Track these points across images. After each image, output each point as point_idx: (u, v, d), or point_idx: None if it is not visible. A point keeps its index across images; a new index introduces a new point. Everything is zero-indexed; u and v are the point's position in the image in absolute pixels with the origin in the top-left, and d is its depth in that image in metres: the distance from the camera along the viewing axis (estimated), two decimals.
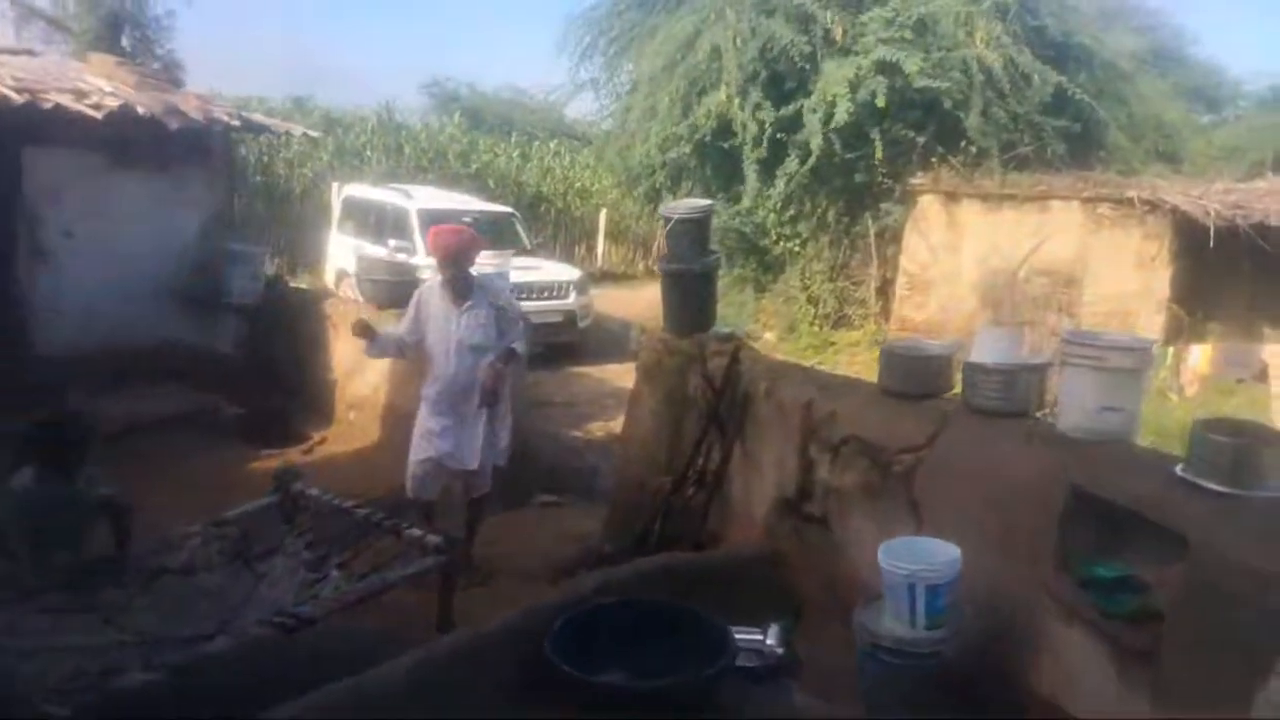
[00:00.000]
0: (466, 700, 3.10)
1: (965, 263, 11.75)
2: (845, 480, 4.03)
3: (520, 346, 5.02)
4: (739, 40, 11.47)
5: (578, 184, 19.65)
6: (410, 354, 5.19)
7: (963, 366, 3.68)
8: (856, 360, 11.60)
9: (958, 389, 3.80)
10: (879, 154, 11.31)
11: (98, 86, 6.72)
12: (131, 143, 7.00)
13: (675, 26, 12.33)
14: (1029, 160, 11.56)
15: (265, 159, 15.75)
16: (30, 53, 8.51)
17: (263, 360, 7.65)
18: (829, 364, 11.89)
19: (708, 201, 5.65)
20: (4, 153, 6.52)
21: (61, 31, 14.69)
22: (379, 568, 3.97)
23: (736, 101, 11.52)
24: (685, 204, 5.40)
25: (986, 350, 3.57)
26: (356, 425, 7.25)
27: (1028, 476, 3.23)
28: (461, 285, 4.93)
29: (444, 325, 4.92)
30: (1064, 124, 11.80)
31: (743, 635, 3.87)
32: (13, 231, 6.66)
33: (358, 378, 7.33)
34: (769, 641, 3.83)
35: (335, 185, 14.06)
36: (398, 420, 6.76)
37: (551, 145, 20.89)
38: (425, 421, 5.00)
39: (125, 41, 14.79)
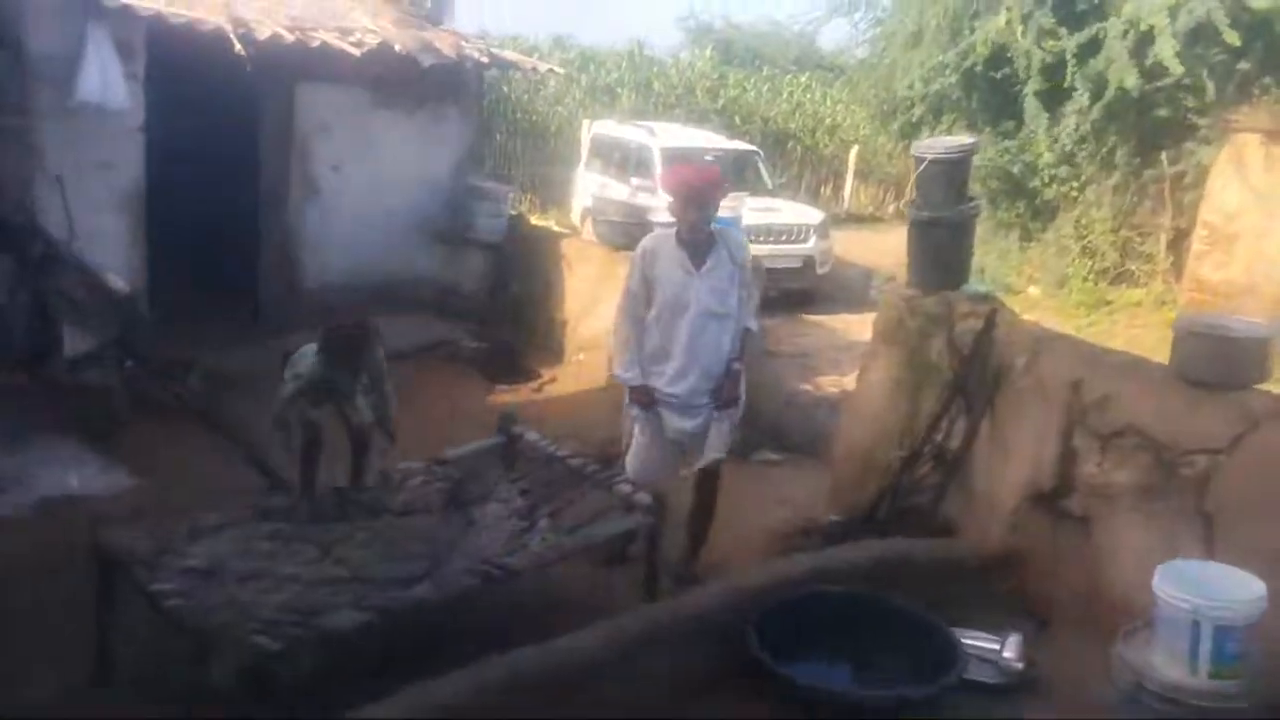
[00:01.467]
0: (653, 684, 2.91)
1: None
2: (1117, 479, 3.43)
3: (755, 324, 4.32)
4: None
5: (828, 119, 18.75)
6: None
7: None
8: (1137, 323, 10.27)
9: (1276, 381, 3.08)
10: (1210, 93, 9.70)
11: (362, 25, 6.98)
12: (392, 80, 7.27)
13: None
14: None
15: (527, 97, 16.18)
16: None
17: (502, 297, 7.83)
18: (1103, 325, 10.64)
19: (969, 139, 4.98)
20: (279, 89, 6.96)
21: None
22: (588, 521, 3.88)
23: (1020, 28, 10.29)
24: (942, 142, 4.80)
25: None
26: (585, 366, 7.26)
27: None
28: (702, 239, 4.09)
29: (680, 291, 4.06)
30: None
31: (976, 642, 3.43)
32: (285, 164, 7.13)
33: (588, 319, 7.31)
34: (1006, 654, 3.36)
35: (586, 123, 14.20)
36: None
37: (803, 79, 20.03)
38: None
39: None
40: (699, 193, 4.06)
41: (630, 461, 4.29)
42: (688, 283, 4.05)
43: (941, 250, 4.57)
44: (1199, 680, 2.58)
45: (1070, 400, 3.60)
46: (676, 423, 4.17)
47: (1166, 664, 2.65)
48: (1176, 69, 9.35)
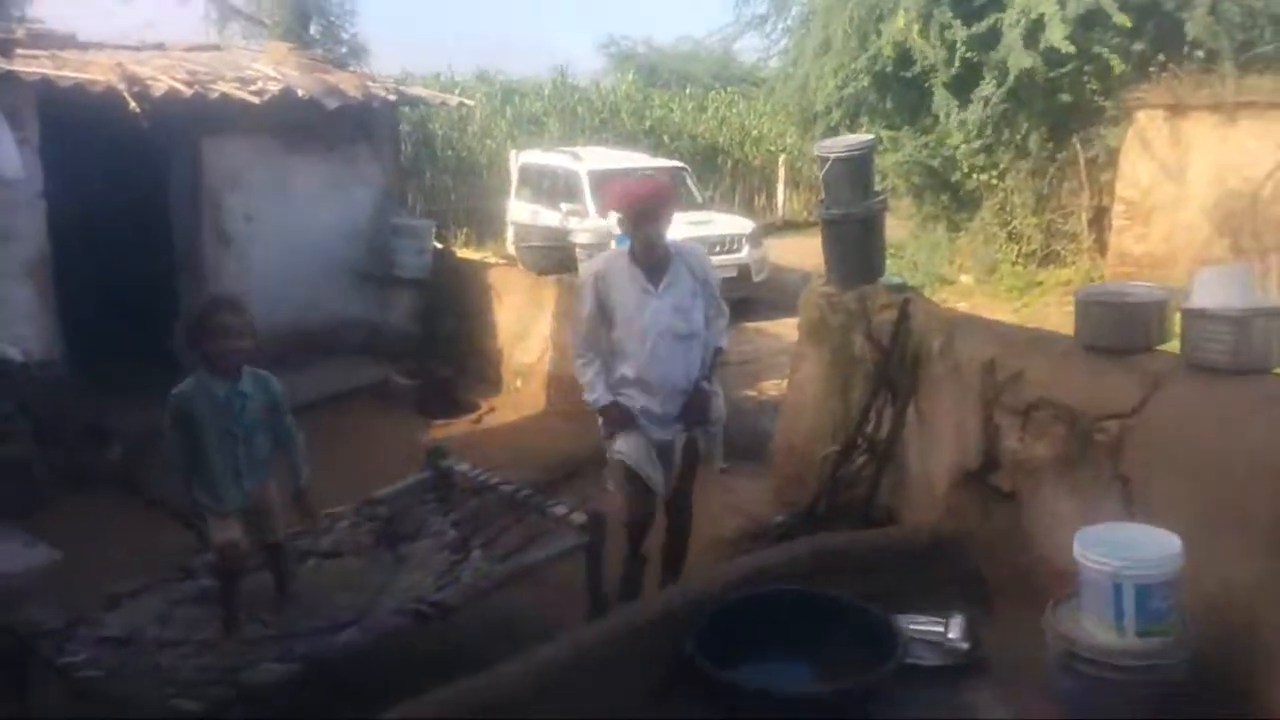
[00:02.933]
0: (604, 698, 2.85)
1: (1194, 185, 10.27)
2: (1037, 451, 3.45)
3: (725, 341, 4.06)
4: None
5: (754, 131, 19.00)
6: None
7: (1181, 314, 3.02)
8: (1068, 301, 10.46)
9: (1175, 343, 3.14)
10: (1117, 68, 9.98)
11: (263, 73, 6.91)
12: (301, 126, 7.18)
13: None
14: (1271, 61, 9.89)
15: (456, 133, 16.16)
16: (216, 48, 8.96)
17: (434, 332, 7.75)
18: (1035, 306, 10.84)
19: (868, 136, 5.05)
20: (185, 144, 6.84)
21: (260, 25, 15.62)
22: (523, 547, 3.81)
23: (916, 28, 10.54)
24: (843, 140, 4.85)
25: (1210, 293, 2.90)
26: (524, 393, 7.21)
27: (1267, 448, 2.59)
28: (658, 255, 3.80)
29: (638, 312, 3.77)
30: None
31: (921, 626, 3.42)
32: (197, 219, 7.00)
33: (521, 346, 7.28)
34: (951, 635, 3.35)
35: (513, 153, 14.21)
36: (561, 387, 6.65)
37: (725, 93, 20.28)
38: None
39: (314, 30, 15.56)
40: (646, 204, 3.77)
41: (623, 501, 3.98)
42: (646, 302, 3.77)
43: (853, 246, 4.61)
44: (1128, 640, 2.59)
45: (985, 379, 3.63)
46: (655, 435, 3.92)
47: (1095, 628, 2.66)
48: (1068, 49, 9.62)
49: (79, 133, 6.18)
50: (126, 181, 7.18)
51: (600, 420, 3.95)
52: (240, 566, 3.22)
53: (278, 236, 7.24)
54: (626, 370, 3.86)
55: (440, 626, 3.31)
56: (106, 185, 7.04)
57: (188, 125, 6.69)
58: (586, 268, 3.99)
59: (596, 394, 3.88)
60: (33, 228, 5.95)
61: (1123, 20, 9.63)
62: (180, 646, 2.99)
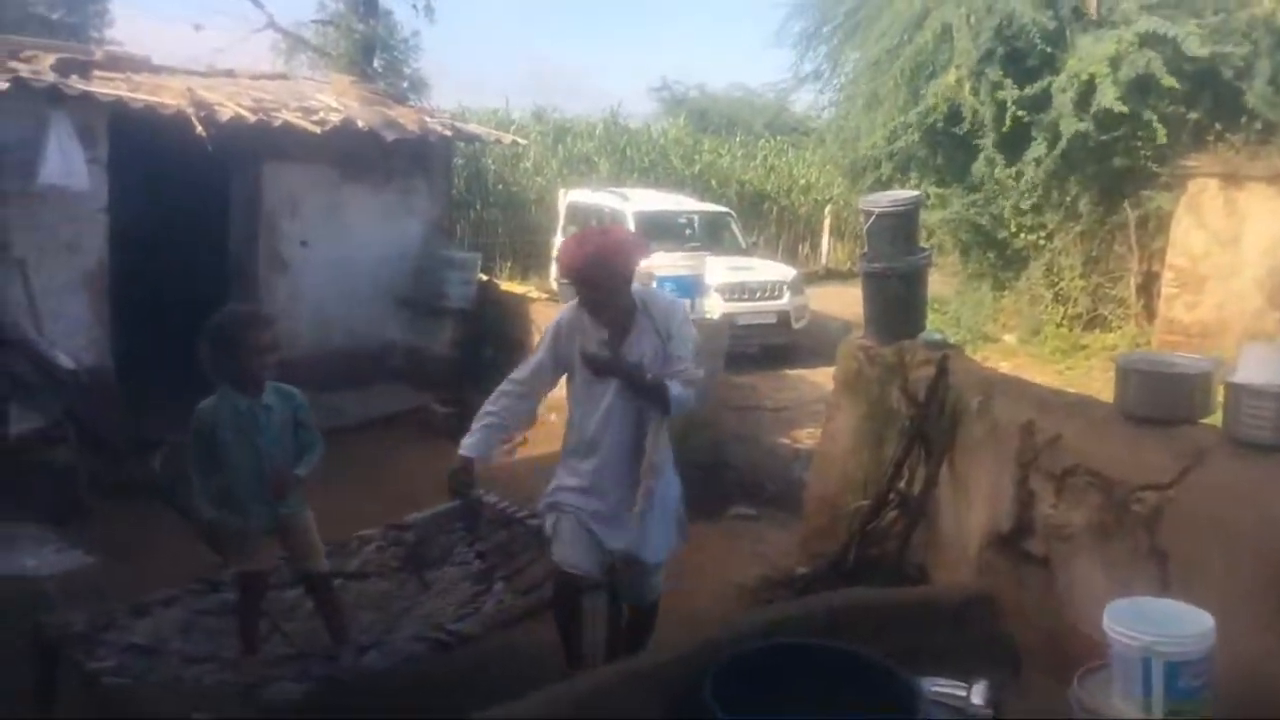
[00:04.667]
0: None
1: (1248, 255, 10.11)
2: (1072, 518, 3.39)
3: (679, 389, 3.26)
4: (972, 19, 10.52)
5: (802, 180, 19.08)
6: (524, 421, 3.73)
7: (1225, 387, 2.97)
8: (1112, 367, 10.29)
9: (1218, 415, 3.08)
10: (1161, 136, 9.90)
11: (326, 104, 7.13)
12: (359, 156, 7.39)
13: (901, 6, 11.53)
14: None
15: (507, 169, 16.45)
16: (283, 77, 9.26)
17: (474, 361, 7.84)
18: (1079, 370, 10.68)
19: (914, 192, 5.06)
20: (246, 168, 7.07)
21: (326, 57, 16.12)
22: (546, 582, 3.81)
23: (968, 85, 10.57)
24: (888, 196, 4.87)
25: (1257, 368, 2.84)
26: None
27: None
28: (615, 316, 3.27)
29: (595, 376, 3.28)
30: None
31: (943, 688, 3.36)
32: (253, 241, 7.19)
33: None
34: (974, 700, 3.29)
35: (562, 192, 14.42)
36: None
37: (775, 142, 20.42)
38: (567, 481, 3.45)
39: (377, 63, 16.00)
40: (583, 272, 3.20)
41: (557, 549, 3.42)
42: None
43: (895, 300, 4.61)
44: (1153, 717, 2.53)
45: (1023, 441, 3.58)
46: (608, 542, 3.37)
47: (1123, 703, 2.59)
48: (1121, 109, 9.57)
49: (146, 151, 6.41)
50: (187, 201, 7.42)
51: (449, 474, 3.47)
52: (262, 586, 3.20)
53: (330, 262, 7.42)
54: (581, 441, 3.41)
55: (458, 656, 3.32)
56: (168, 204, 7.29)
57: (250, 150, 6.91)
58: (560, 313, 3.44)
59: (468, 441, 3.43)
60: (94, 241, 6.16)
61: (1170, 83, 9.56)
62: (203, 661, 3.02)
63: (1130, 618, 2.61)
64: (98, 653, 2.93)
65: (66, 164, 5.51)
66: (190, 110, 5.99)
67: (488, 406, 3.48)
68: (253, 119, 6.30)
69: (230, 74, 8.02)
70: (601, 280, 3.20)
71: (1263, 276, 9.92)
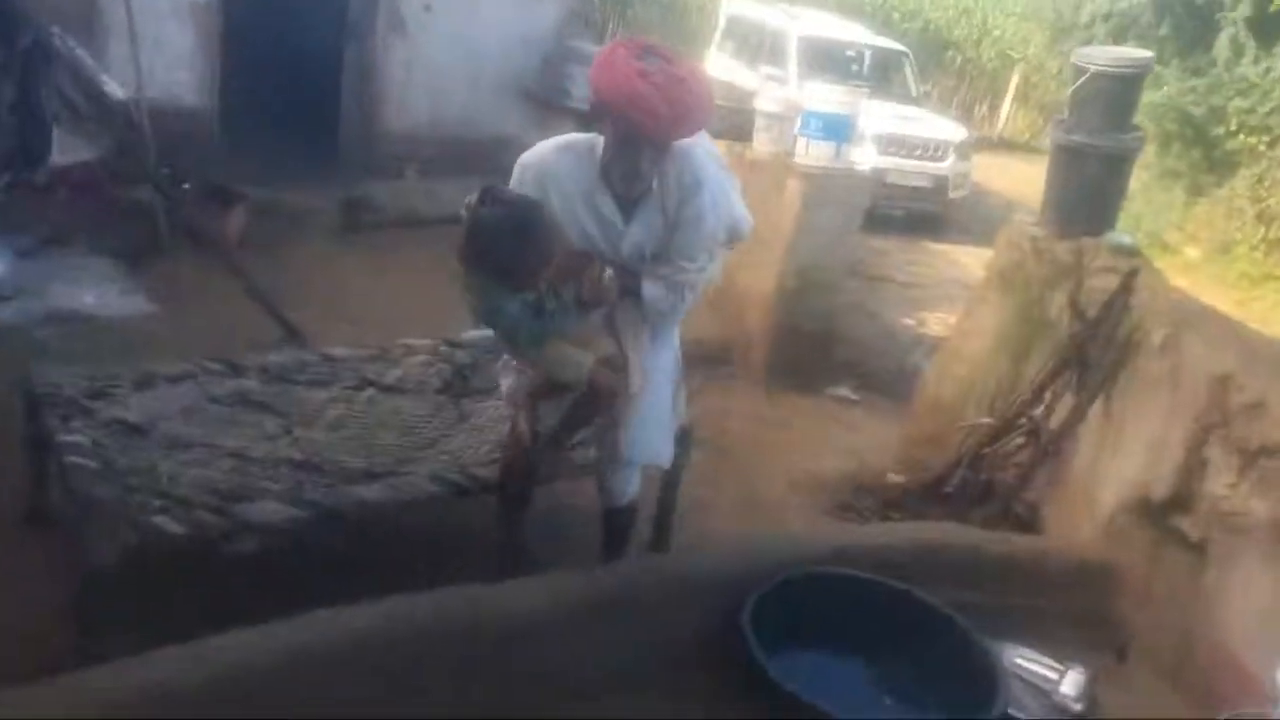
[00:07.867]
0: (623, 658, 2.40)
1: None
2: (1253, 507, 2.67)
3: (657, 289, 2.51)
4: None
5: (995, 31, 16.98)
6: None
7: None
8: None
9: None
10: None
11: None
12: None
13: None
14: None
15: None
16: None
17: None
18: (1267, 303, 9.33)
19: (1145, 53, 4.00)
20: None
21: None
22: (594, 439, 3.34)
23: None
24: (1110, 52, 3.88)
25: None
26: None
27: None
28: (641, 175, 2.44)
29: (591, 239, 2.49)
30: None
31: (1029, 664, 2.81)
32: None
33: None
34: (1065, 689, 2.74)
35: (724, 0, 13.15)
36: None
37: None
38: None
39: None
40: (660, 129, 2.33)
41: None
42: (605, 236, 2.50)
43: (1088, 185, 3.73)
44: None
45: (1212, 398, 2.82)
46: None
47: None
48: None
49: None
50: None
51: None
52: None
53: (453, 35, 6.85)
54: None
55: (475, 504, 2.90)
56: None
57: None
58: (525, 157, 2.53)
59: None
60: None
61: None
62: (190, 448, 2.67)
63: None
64: (73, 423, 2.61)
65: None
66: None
67: None
68: None
69: None
70: (670, 145, 2.38)
71: None
